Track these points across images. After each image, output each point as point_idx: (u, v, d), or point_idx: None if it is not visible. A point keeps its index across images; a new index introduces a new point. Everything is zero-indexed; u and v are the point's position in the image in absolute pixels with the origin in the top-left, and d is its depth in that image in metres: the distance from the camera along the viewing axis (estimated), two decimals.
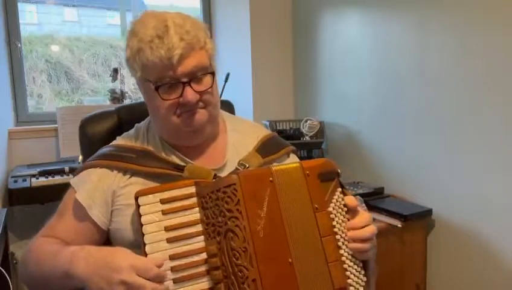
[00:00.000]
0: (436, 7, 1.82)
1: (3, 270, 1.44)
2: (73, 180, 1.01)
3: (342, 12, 2.40)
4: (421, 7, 1.89)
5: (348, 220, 0.90)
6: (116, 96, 2.67)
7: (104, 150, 1.03)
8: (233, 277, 0.80)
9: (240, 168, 1.00)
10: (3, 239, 1.78)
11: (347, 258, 0.87)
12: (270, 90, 2.78)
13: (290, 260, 0.82)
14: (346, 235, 0.88)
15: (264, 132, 1.16)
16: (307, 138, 2.51)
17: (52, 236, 0.96)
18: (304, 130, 2.52)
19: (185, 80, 0.92)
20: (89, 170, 1.00)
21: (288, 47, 2.85)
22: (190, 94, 0.92)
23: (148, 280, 0.76)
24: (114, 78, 2.70)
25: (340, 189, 0.92)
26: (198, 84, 0.94)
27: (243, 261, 0.80)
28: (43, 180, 2.12)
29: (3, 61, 2.37)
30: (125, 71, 2.91)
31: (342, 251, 0.87)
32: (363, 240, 0.88)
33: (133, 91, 2.98)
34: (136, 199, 0.84)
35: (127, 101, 2.70)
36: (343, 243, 0.88)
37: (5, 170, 2.27)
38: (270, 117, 2.61)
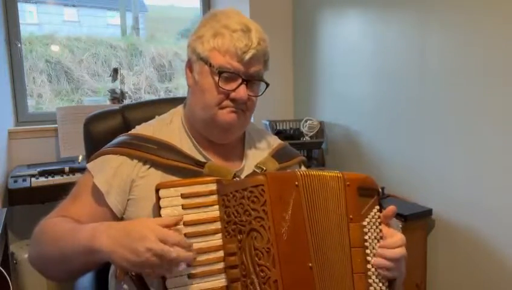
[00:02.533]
0: (435, 7, 1.82)
1: (3, 271, 1.44)
2: (90, 164, 1.00)
3: (342, 12, 2.41)
4: (421, 7, 1.89)
5: (381, 238, 0.90)
6: (116, 96, 2.67)
7: (124, 138, 1.02)
8: (253, 276, 0.81)
9: (257, 170, 1.01)
10: (3, 239, 1.78)
11: (373, 274, 0.87)
12: (270, 90, 2.77)
13: (310, 265, 0.83)
14: (376, 252, 0.88)
15: (276, 140, 1.19)
16: (307, 138, 2.51)
17: (65, 217, 0.95)
18: (304, 130, 2.53)
19: (244, 77, 0.96)
20: (108, 156, 0.99)
21: (288, 47, 2.86)
22: (243, 92, 0.96)
23: (171, 246, 0.77)
24: (114, 78, 2.70)
25: (378, 207, 0.91)
26: (251, 88, 0.99)
27: (265, 262, 0.81)
28: (43, 180, 2.12)
29: (3, 61, 2.37)
30: (125, 71, 2.91)
31: (369, 266, 0.87)
32: (390, 259, 0.88)
33: (133, 91, 2.98)
34: (157, 191, 0.84)
35: (126, 101, 2.70)
36: (372, 258, 0.88)
37: (5, 170, 2.27)
38: (270, 117, 2.61)
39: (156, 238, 0.77)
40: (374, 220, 0.90)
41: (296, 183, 0.86)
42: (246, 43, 0.94)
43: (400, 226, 1.74)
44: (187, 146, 1.02)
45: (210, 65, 0.96)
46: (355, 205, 0.89)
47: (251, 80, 0.98)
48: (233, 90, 0.96)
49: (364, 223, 0.89)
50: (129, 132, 1.06)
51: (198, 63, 0.99)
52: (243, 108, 0.99)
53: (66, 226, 0.90)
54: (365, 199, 0.90)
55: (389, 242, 0.89)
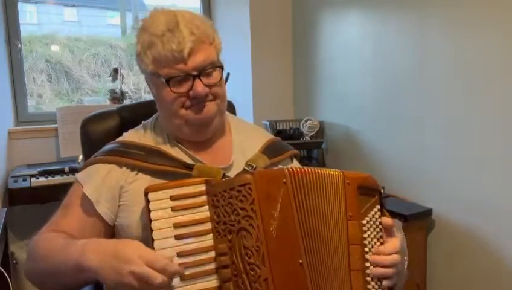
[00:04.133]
0: (435, 7, 1.82)
1: (3, 271, 1.45)
2: (79, 175, 1.00)
3: (342, 13, 2.41)
4: (421, 7, 1.89)
5: (381, 237, 0.89)
6: (116, 96, 2.67)
7: (111, 146, 1.03)
8: (244, 276, 0.81)
9: (247, 168, 1.00)
10: (3, 239, 1.78)
11: (371, 272, 0.87)
12: (270, 90, 2.78)
13: (300, 261, 0.83)
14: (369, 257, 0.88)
15: (267, 135, 1.18)
16: (307, 138, 2.51)
17: (57, 231, 0.95)
18: (304, 130, 2.52)
19: (194, 73, 0.95)
20: (97, 165, 0.99)
21: (288, 47, 2.86)
22: (200, 87, 0.95)
23: (158, 271, 0.76)
24: (114, 78, 2.70)
25: (378, 207, 0.91)
26: (208, 78, 0.97)
27: (255, 260, 0.80)
28: (43, 180, 2.12)
29: (3, 61, 2.37)
30: (125, 71, 2.91)
31: (367, 264, 0.87)
32: (384, 266, 0.87)
33: (133, 91, 2.98)
34: (146, 194, 0.84)
35: (126, 101, 2.70)
36: (370, 257, 0.87)
37: (5, 170, 2.27)
38: (270, 117, 2.61)
39: (142, 262, 0.76)
40: (374, 219, 0.89)
41: (284, 180, 0.86)
42: (178, 41, 0.92)
43: (400, 226, 1.73)
44: (174, 150, 1.02)
45: (159, 76, 0.96)
46: (354, 203, 0.88)
47: (203, 71, 0.96)
48: (190, 89, 0.95)
49: (364, 221, 0.88)
50: (116, 139, 1.06)
51: (150, 78, 1.00)
52: (210, 98, 0.98)
53: (58, 242, 0.90)
54: (366, 198, 0.90)
55: (384, 248, 0.88)
